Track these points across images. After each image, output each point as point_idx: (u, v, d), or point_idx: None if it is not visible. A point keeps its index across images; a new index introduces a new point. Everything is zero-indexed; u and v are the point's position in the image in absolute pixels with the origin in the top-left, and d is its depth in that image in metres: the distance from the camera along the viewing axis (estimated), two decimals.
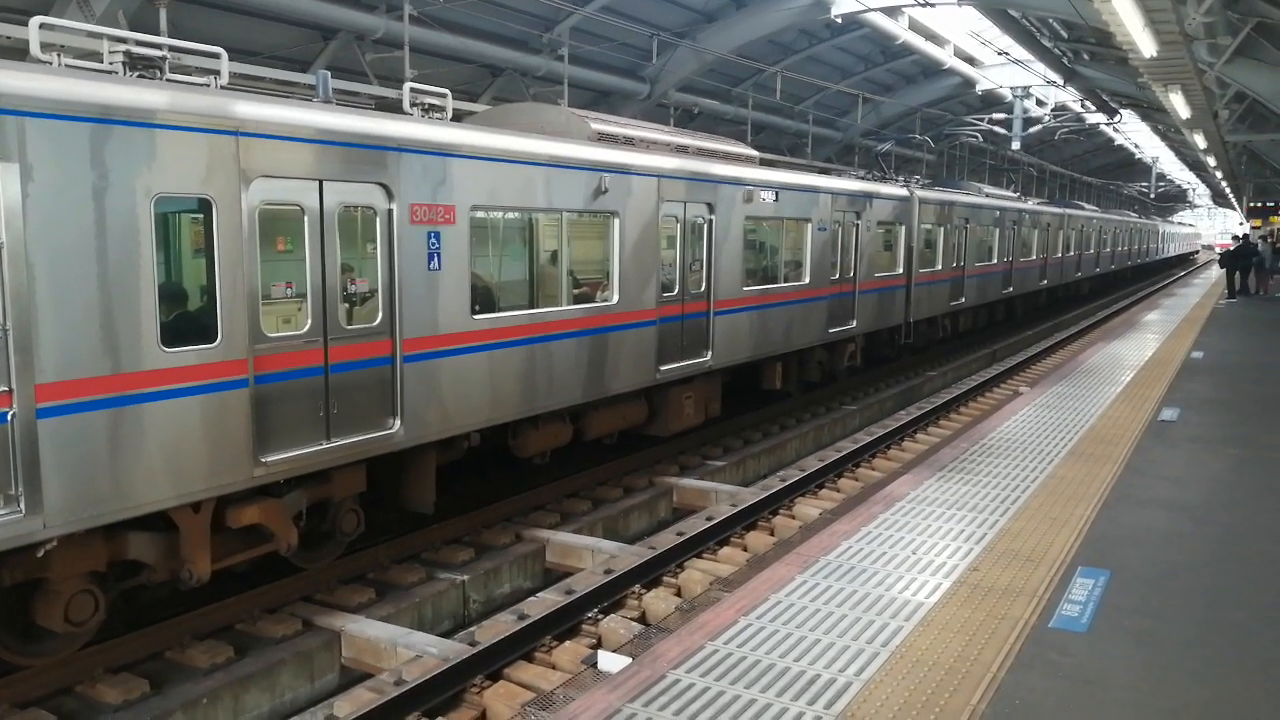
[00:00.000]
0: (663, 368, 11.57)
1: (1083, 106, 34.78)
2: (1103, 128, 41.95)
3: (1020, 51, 26.57)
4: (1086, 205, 43.25)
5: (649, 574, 9.02)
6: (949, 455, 9.41)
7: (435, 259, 8.33)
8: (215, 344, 6.65)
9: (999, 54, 28.46)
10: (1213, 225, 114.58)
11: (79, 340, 5.89)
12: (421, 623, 8.30)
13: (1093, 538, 6.93)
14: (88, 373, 5.94)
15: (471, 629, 8.02)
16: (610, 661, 7.05)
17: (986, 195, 25.49)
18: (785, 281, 14.41)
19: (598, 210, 10.42)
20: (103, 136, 5.96)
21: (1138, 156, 58.86)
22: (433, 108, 9.00)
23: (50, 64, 6.26)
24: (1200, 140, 24.96)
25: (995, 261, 24.87)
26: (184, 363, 6.46)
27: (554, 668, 7.38)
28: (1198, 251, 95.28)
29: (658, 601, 8.54)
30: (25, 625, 6.49)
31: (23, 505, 5.67)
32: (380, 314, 7.91)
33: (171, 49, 6.96)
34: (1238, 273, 30.32)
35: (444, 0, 15.75)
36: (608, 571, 8.90)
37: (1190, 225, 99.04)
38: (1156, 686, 4.79)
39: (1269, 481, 8.50)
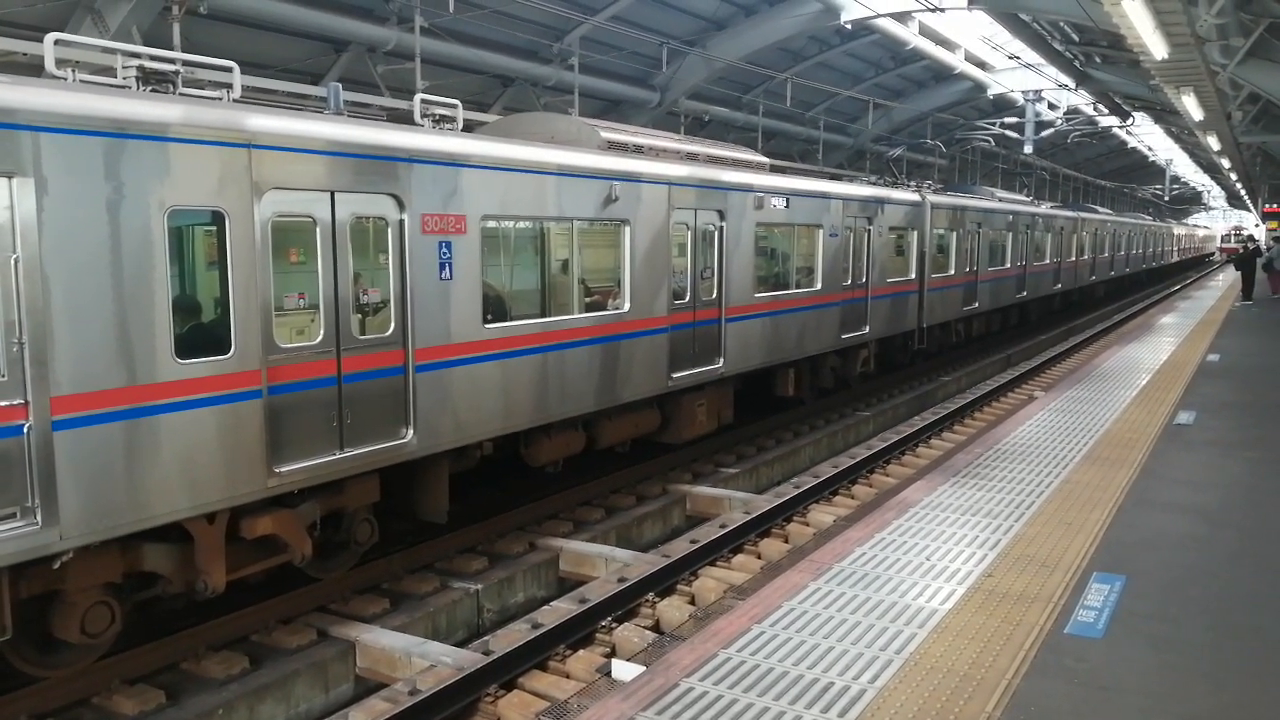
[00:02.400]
0: (675, 375, 11.57)
1: (1095, 110, 34.64)
2: (1115, 131, 41.79)
3: (1031, 55, 26.50)
4: (1101, 209, 43.04)
5: (663, 582, 9.01)
6: (963, 461, 9.37)
7: (447, 269, 8.36)
8: (229, 355, 6.69)
9: (1010, 58, 28.39)
10: (1227, 225, 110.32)
11: (94, 353, 5.94)
12: (436, 632, 8.31)
13: (1108, 543, 6.89)
14: (103, 385, 5.98)
15: (486, 638, 8.02)
16: (624, 670, 7.04)
17: (999, 200, 25.41)
18: (797, 288, 14.39)
19: (608, 218, 10.44)
20: (116, 150, 6.01)
21: (1151, 159, 58.57)
22: (443, 118, 9.04)
23: (65, 80, 6.32)
24: (1214, 142, 24.86)
25: (1009, 266, 24.78)
26: (198, 374, 6.50)
27: (568, 677, 7.38)
28: (1212, 254, 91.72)
29: (671, 610, 8.52)
30: (42, 637, 6.52)
31: (39, 517, 5.71)
32: (392, 324, 7.95)
33: (184, 63, 7.02)
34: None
35: (455, 12, 15.81)
36: (621, 580, 8.89)
37: (1205, 226, 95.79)
38: (1173, 692, 4.75)
39: None
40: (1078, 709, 4.58)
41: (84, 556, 6.18)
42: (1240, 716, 4.53)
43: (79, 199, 5.83)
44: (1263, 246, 34.64)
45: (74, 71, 6.46)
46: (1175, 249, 62.87)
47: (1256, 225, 56.30)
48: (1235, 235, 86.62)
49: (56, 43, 6.41)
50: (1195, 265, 79.38)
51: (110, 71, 6.78)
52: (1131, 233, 44.31)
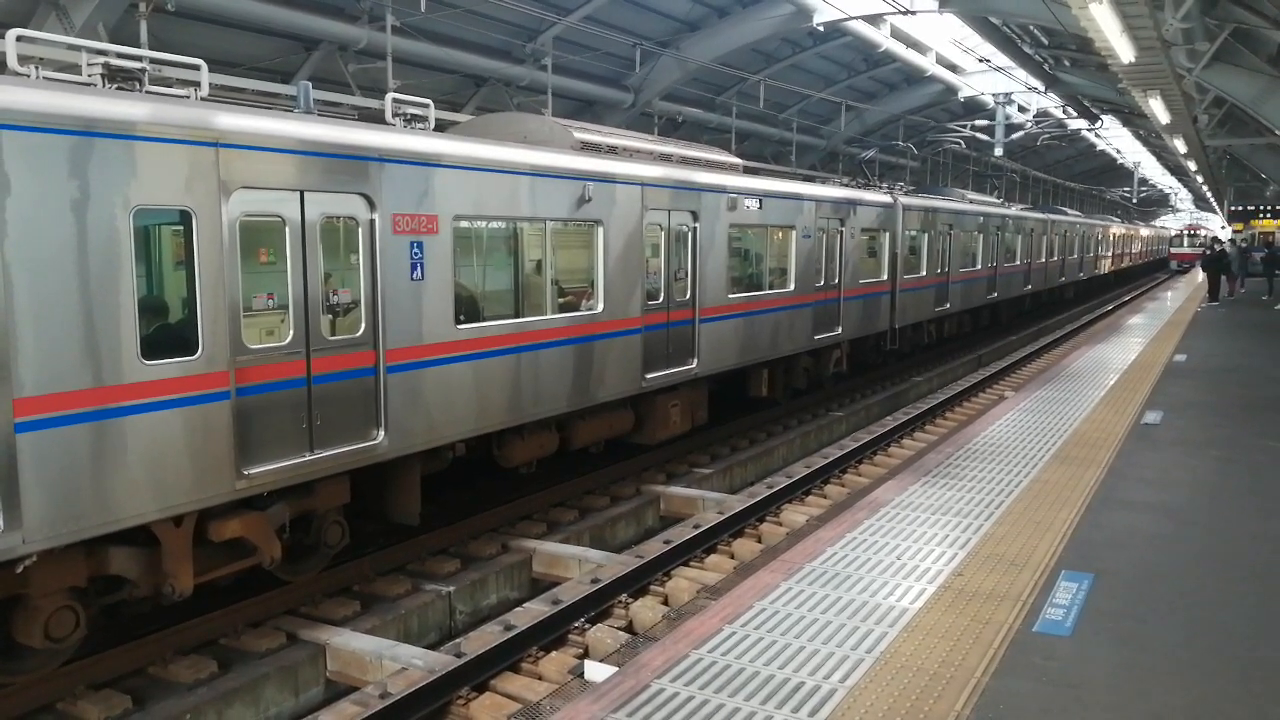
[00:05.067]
0: (649, 376, 11.57)
1: (1064, 112, 35.04)
2: (1084, 134, 42.27)
3: (1002, 58, 26.76)
4: (1069, 210, 43.43)
5: (636, 583, 9.00)
6: (934, 460, 9.43)
7: (418, 269, 8.31)
8: (196, 356, 6.61)
9: (980, 61, 28.64)
10: (1182, 224, 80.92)
11: (58, 354, 5.85)
12: (407, 635, 8.26)
13: (1076, 541, 6.95)
14: (67, 386, 5.89)
15: (458, 640, 7.97)
16: (597, 671, 7.02)
17: (970, 201, 25.61)
18: (770, 289, 14.44)
19: (582, 219, 10.42)
20: (81, 149, 5.92)
21: (1120, 162, 59.26)
22: (415, 118, 8.99)
23: (28, 77, 6.22)
24: (1180, 145, 25.19)
25: (979, 267, 24.98)
26: (165, 375, 6.42)
27: (541, 679, 7.35)
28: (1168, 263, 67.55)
29: (645, 610, 8.52)
30: (4, 642, 6.42)
31: (1, 521, 5.62)
32: (363, 325, 7.89)
33: (151, 61, 6.93)
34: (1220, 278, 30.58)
35: (427, 11, 15.73)
36: (595, 581, 8.88)
37: (1157, 226, 79.27)
38: (1140, 689, 4.80)
39: (1251, 483, 8.55)
40: (1046, 707, 4.62)
41: (48, 560, 6.08)
42: (1206, 713, 4.59)
43: (42, 198, 5.74)
44: (1228, 249, 35.20)
45: (38, 68, 6.35)
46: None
47: (1223, 227, 56.74)
48: (1190, 236, 66.09)
49: (19, 39, 6.31)
50: (1127, 281, 58.02)
51: (75, 69, 6.68)
52: (1099, 233, 43.78)
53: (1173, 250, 65.76)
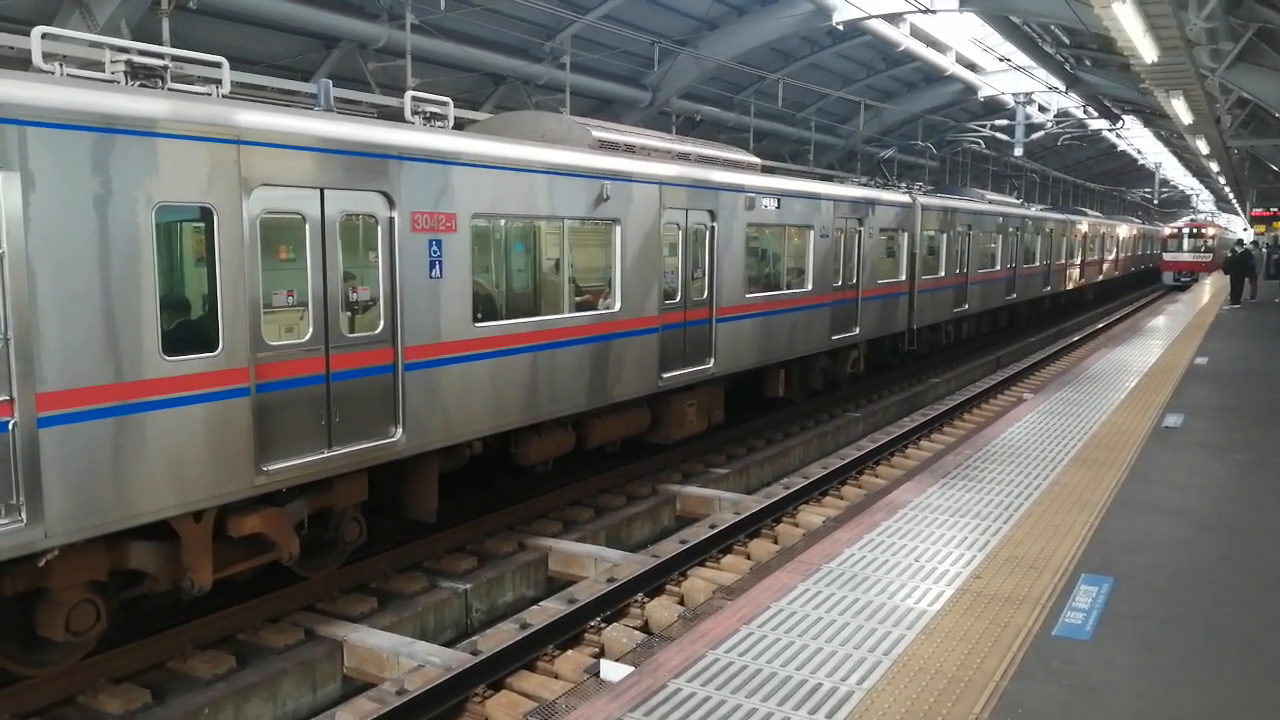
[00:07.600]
0: (665, 375, 11.56)
1: (1085, 113, 34.79)
2: (1105, 134, 41.93)
3: (1022, 58, 26.58)
4: (1090, 210, 43.05)
5: (652, 582, 8.99)
6: (952, 462, 9.38)
7: (437, 267, 8.33)
8: (217, 352, 6.65)
9: (1001, 60, 28.47)
10: (1181, 221, 60.16)
11: (80, 349, 5.89)
12: (424, 632, 8.28)
13: (1096, 545, 6.90)
14: (89, 381, 5.94)
15: (474, 638, 8.00)
16: (613, 671, 7.02)
17: (989, 202, 25.47)
18: (788, 288, 14.40)
19: (599, 218, 10.42)
20: (104, 146, 5.97)
21: (1141, 163, 58.72)
22: (434, 116, 9.01)
23: (52, 74, 6.27)
24: (1203, 146, 24.96)
25: (999, 268, 24.85)
26: (186, 371, 6.46)
27: (556, 677, 7.36)
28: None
29: (660, 610, 8.51)
30: (26, 635, 6.48)
31: (24, 515, 5.67)
32: (382, 322, 7.91)
33: (173, 58, 6.98)
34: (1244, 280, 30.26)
35: (446, 9, 15.77)
36: (610, 580, 8.88)
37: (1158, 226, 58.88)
38: (1161, 695, 4.75)
39: (1274, 487, 8.46)
40: (1065, 711, 4.58)
41: (69, 554, 6.14)
42: (1228, 718, 4.54)
43: (66, 194, 5.78)
44: (1252, 250, 34.79)
45: (61, 65, 6.41)
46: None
47: (1245, 229, 55.86)
48: (1194, 237, 47.87)
49: (44, 36, 6.36)
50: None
51: (98, 66, 6.73)
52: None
53: (1166, 257, 48.21)
